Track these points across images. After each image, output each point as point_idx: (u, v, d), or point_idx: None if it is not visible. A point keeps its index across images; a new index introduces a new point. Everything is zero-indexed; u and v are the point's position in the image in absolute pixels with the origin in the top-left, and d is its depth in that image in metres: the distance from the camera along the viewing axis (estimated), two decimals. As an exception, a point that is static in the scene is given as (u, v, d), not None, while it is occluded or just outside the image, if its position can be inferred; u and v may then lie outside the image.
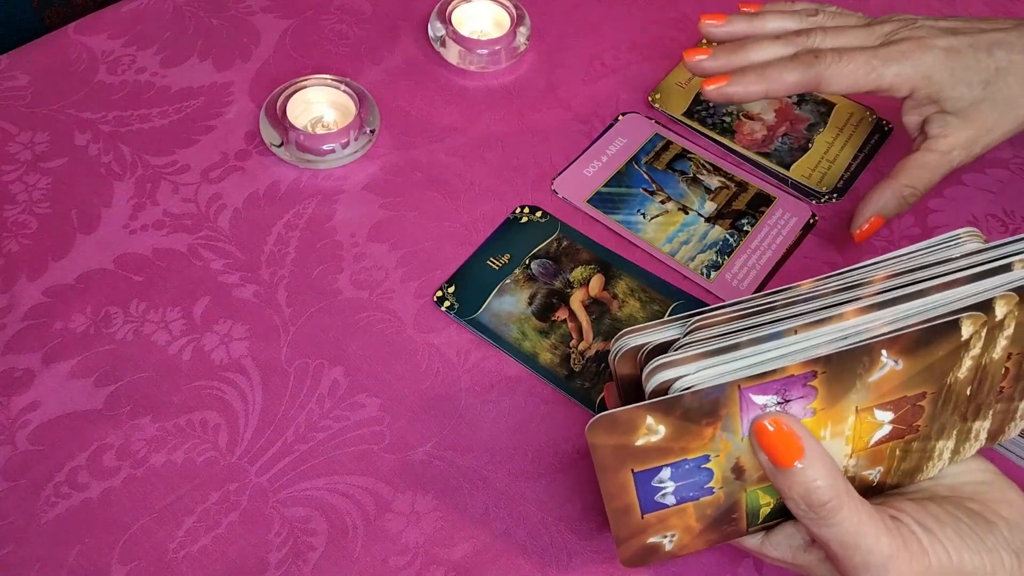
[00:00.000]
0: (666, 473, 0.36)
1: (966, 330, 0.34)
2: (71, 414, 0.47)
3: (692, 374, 0.34)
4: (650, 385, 0.35)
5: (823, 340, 0.35)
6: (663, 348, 0.37)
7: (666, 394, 0.34)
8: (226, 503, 0.44)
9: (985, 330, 0.35)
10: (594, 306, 0.52)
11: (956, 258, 0.37)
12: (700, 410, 0.34)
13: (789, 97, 0.63)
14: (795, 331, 0.35)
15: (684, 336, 0.37)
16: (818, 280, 0.38)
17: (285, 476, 0.45)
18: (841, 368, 0.34)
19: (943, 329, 0.34)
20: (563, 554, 0.44)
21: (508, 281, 0.53)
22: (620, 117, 0.62)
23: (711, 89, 0.50)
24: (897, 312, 0.35)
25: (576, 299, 0.52)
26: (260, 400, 0.48)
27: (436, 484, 0.46)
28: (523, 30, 0.63)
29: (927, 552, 0.34)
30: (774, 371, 0.34)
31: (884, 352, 0.34)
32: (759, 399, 0.34)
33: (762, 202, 0.57)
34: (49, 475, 0.45)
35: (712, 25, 0.54)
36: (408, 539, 0.44)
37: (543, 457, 0.47)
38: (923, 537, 0.35)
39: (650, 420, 0.34)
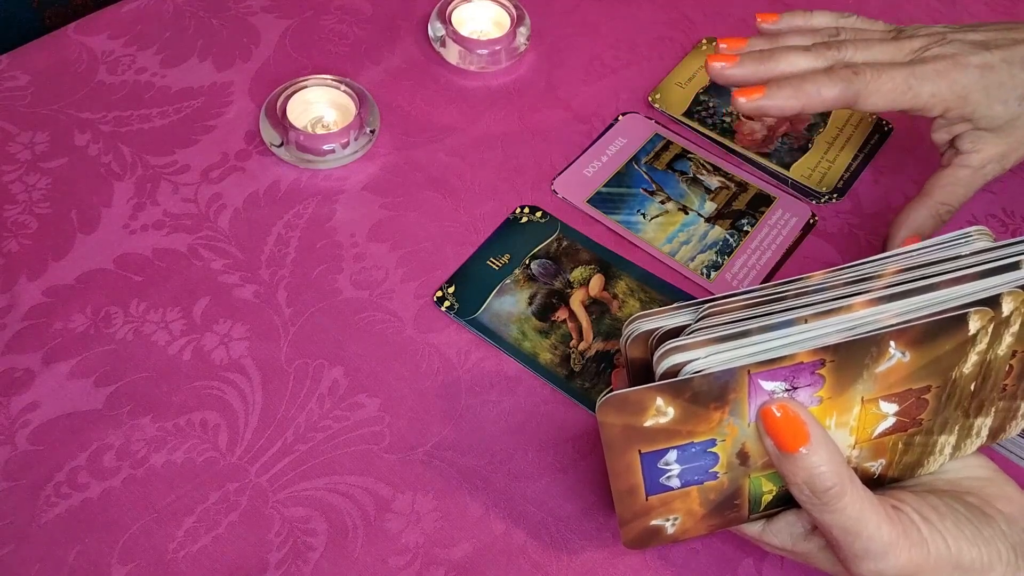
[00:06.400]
0: (672, 455, 0.36)
1: (973, 325, 0.35)
2: (71, 414, 0.47)
3: (703, 358, 0.35)
4: (661, 368, 0.35)
5: (833, 329, 0.35)
6: (675, 333, 0.37)
7: (676, 377, 0.35)
8: (226, 503, 0.44)
9: (992, 326, 0.35)
10: (594, 306, 0.52)
11: (966, 255, 0.37)
12: (709, 393, 0.34)
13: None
14: (805, 320, 0.35)
15: (696, 322, 0.37)
16: (829, 272, 0.38)
17: (285, 476, 0.45)
18: (849, 357, 0.34)
19: (951, 323, 0.34)
20: (563, 554, 0.44)
21: (508, 281, 0.53)
22: (620, 117, 0.62)
23: (744, 101, 0.46)
24: (906, 305, 0.35)
25: (576, 299, 0.52)
26: (260, 400, 0.48)
27: (436, 484, 0.46)
28: (523, 30, 0.63)
29: (926, 541, 0.35)
30: (783, 357, 0.34)
31: (892, 343, 0.34)
32: (768, 385, 0.35)
33: (762, 202, 0.57)
34: (49, 475, 0.45)
35: (728, 50, 0.50)
36: (408, 539, 0.44)
37: (543, 457, 0.47)
38: (923, 527, 0.35)
39: (659, 401, 0.34)
